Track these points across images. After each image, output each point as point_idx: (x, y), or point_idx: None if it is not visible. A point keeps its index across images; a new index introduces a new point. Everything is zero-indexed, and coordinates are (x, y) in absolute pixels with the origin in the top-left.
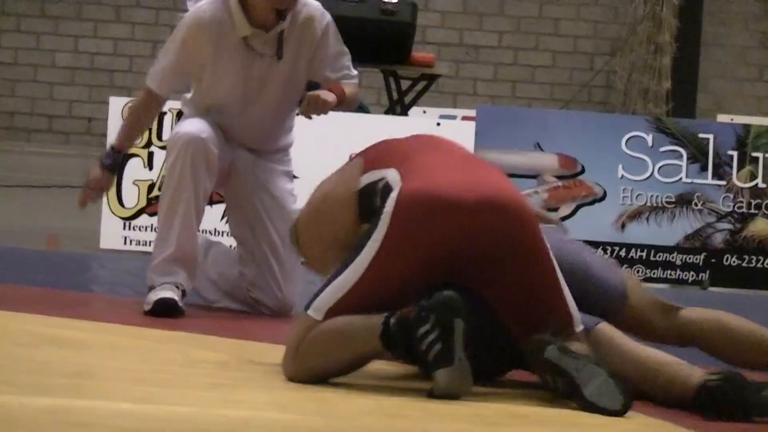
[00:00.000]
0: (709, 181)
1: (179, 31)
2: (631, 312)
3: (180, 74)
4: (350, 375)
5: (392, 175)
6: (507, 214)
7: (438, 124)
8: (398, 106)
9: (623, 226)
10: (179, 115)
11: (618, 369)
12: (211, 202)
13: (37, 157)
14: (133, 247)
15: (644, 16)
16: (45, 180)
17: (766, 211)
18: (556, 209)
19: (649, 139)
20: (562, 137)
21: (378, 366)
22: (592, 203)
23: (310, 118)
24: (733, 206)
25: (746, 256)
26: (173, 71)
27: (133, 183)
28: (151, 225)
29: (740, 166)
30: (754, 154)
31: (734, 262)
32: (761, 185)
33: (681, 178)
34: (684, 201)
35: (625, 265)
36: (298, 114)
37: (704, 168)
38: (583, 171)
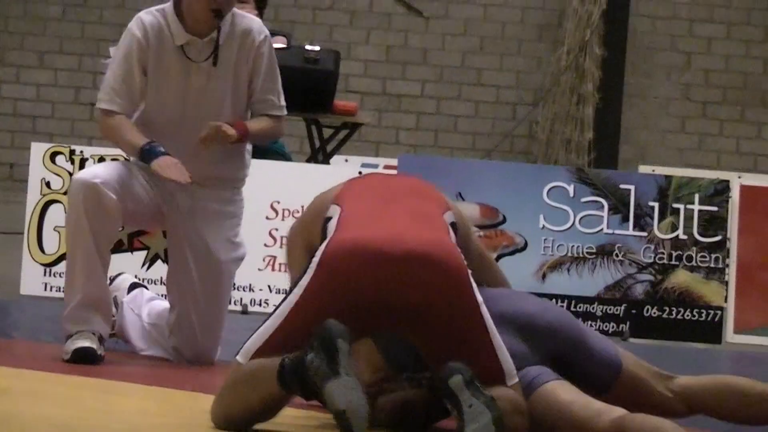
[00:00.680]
0: (631, 232)
1: (121, 44)
2: (628, 382)
3: (129, 87)
4: (275, 422)
5: (335, 217)
6: (434, 267)
7: (360, 172)
8: (320, 154)
9: (544, 276)
10: (101, 161)
11: (552, 424)
12: (131, 249)
13: None
14: (54, 294)
15: (567, 66)
16: None
17: (687, 263)
18: None
19: (571, 189)
20: (484, 187)
21: (307, 412)
22: (513, 253)
23: (205, 146)
24: (654, 257)
25: (667, 308)
26: (122, 85)
27: (54, 229)
28: None
29: (661, 218)
30: (676, 206)
31: (655, 313)
32: (682, 236)
33: (602, 229)
34: (605, 252)
35: None
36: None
37: (625, 219)
38: (504, 221)
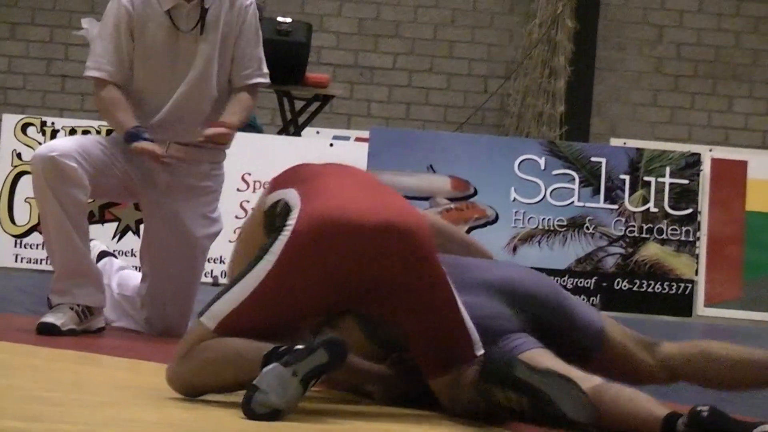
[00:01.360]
0: (601, 204)
1: (108, 12)
2: (612, 350)
3: (118, 56)
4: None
5: (290, 195)
6: (407, 238)
7: (331, 144)
8: (292, 127)
9: (515, 248)
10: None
11: None
12: (102, 221)
13: None
14: (24, 265)
15: (539, 39)
16: None
17: (657, 236)
18: None
19: (542, 162)
20: (455, 159)
21: None
22: (484, 225)
23: (209, 142)
24: (625, 230)
25: (637, 281)
26: (111, 53)
27: (25, 201)
28: (43, 243)
29: (632, 190)
30: (647, 179)
31: (625, 286)
32: (653, 209)
33: (573, 202)
34: (576, 224)
35: None
36: (203, 141)
37: (596, 192)
38: (475, 193)
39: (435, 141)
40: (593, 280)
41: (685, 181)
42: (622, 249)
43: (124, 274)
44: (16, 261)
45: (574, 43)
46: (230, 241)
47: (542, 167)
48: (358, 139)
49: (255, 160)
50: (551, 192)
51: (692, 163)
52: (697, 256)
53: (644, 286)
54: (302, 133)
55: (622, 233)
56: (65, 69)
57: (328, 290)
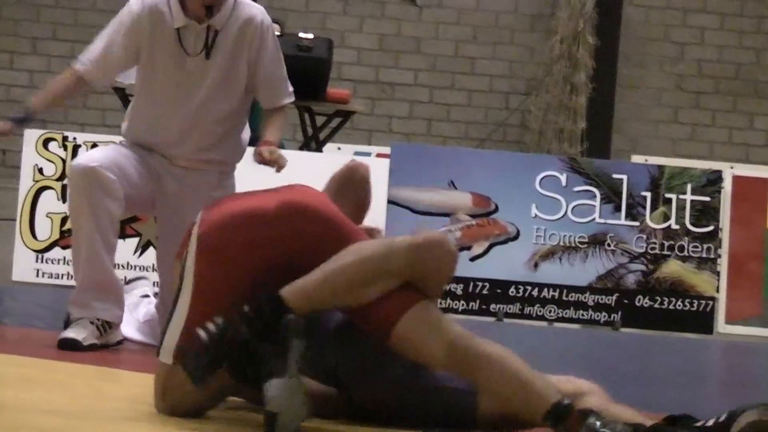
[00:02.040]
0: (623, 221)
1: (120, 15)
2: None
3: (109, 58)
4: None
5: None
6: (307, 216)
7: (352, 160)
8: (313, 142)
9: (536, 265)
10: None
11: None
12: (123, 236)
13: None
14: (46, 280)
15: (560, 56)
16: None
17: (678, 253)
18: (469, 248)
19: (563, 178)
20: (476, 176)
21: None
22: (505, 242)
23: (270, 165)
24: (646, 247)
25: (658, 298)
26: (102, 53)
27: (47, 215)
28: (64, 258)
29: (653, 207)
30: (668, 195)
31: (646, 303)
32: (674, 226)
33: (594, 218)
34: (597, 241)
35: (538, 305)
36: (257, 161)
37: (618, 208)
38: (496, 210)
39: (456, 157)
40: (614, 297)
41: (707, 199)
42: (643, 266)
43: (150, 308)
44: (37, 276)
45: (595, 59)
46: None
47: (563, 184)
48: (379, 155)
49: (276, 175)
50: (572, 208)
51: (713, 180)
52: (718, 274)
53: (665, 303)
54: (323, 148)
55: (643, 250)
56: None
57: (254, 274)
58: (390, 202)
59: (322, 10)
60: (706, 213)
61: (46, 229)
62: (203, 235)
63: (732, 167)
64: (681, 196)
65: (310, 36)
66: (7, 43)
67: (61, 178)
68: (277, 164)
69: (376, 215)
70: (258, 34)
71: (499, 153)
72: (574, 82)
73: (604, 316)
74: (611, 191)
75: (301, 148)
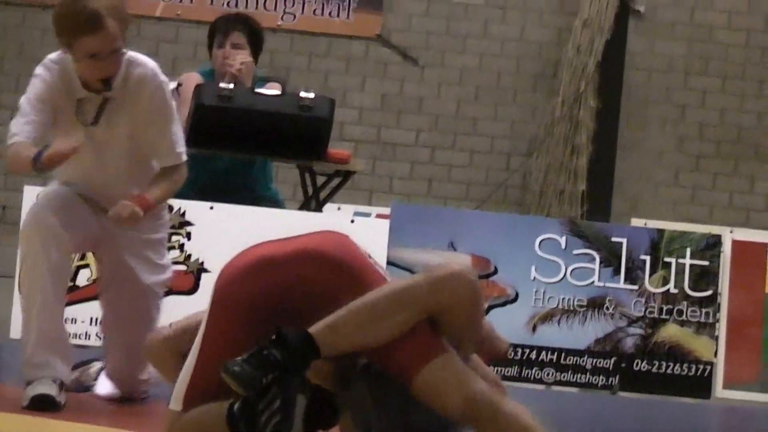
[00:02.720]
0: (622, 285)
1: (31, 87)
2: None
3: (37, 122)
4: None
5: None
6: (321, 262)
7: (352, 221)
8: (313, 202)
9: (534, 328)
10: None
11: None
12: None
13: None
14: None
15: (561, 117)
16: None
17: (677, 317)
18: None
19: (563, 241)
20: (476, 237)
21: None
22: (504, 304)
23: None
24: (645, 311)
25: (657, 362)
26: (32, 110)
27: None
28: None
29: (653, 271)
30: (667, 259)
31: (644, 367)
32: (673, 290)
33: (593, 282)
34: (596, 304)
35: (535, 368)
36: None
37: (617, 272)
38: (495, 272)
39: (456, 218)
40: (612, 361)
41: (706, 263)
42: (642, 330)
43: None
44: None
45: (596, 121)
46: None
47: (563, 246)
48: (379, 216)
49: (276, 235)
50: (572, 271)
51: (713, 244)
52: (716, 338)
53: (663, 367)
54: (323, 208)
55: (641, 314)
56: None
57: (268, 322)
58: (389, 263)
59: (325, 69)
60: (705, 277)
61: None
62: (218, 286)
63: (731, 231)
64: (680, 260)
65: (311, 95)
66: (9, 99)
67: None
68: (119, 217)
69: None
70: (147, 95)
71: (499, 215)
72: (575, 143)
73: (602, 379)
74: (610, 254)
75: (300, 208)
